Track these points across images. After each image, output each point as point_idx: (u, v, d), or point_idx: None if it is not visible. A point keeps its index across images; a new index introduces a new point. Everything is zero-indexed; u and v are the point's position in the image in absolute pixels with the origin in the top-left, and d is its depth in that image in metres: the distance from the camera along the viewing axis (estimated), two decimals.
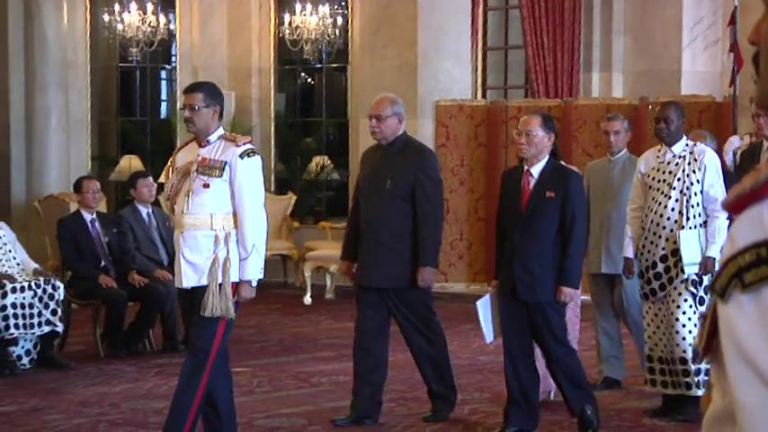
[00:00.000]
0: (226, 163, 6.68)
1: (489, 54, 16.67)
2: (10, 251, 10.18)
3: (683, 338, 7.82)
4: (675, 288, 7.88)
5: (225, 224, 6.70)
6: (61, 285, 10.16)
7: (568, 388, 7.52)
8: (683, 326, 7.84)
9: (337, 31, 16.32)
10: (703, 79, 14.91)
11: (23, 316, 9.78)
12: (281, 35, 16.65)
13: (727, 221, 7.88)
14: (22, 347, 10.01)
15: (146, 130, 17.16)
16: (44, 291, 9.92)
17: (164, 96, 18.12)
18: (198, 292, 6.70)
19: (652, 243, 7.99)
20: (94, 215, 10.87)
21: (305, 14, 16.34)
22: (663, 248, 7.92)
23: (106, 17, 16.34)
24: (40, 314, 9.86)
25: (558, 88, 15.28)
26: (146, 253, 10.95)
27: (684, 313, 7.85)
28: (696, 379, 7.83)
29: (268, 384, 9.44)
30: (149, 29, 16.31)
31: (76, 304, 10.96)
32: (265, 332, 12.09)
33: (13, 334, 9.75)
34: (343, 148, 16.61)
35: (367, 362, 7.96)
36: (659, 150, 8.10)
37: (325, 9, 16.34)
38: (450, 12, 14.74)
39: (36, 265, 10.40)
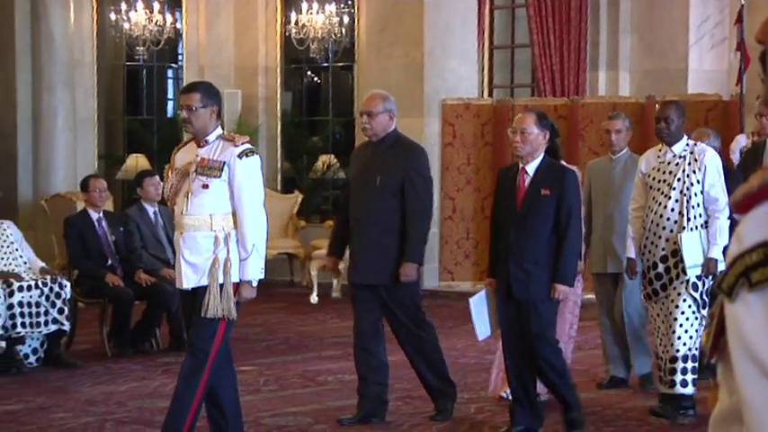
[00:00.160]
0: (225, 163, 6.66)
1: (496, 53, 16.66)
2: (17, 250, 10.19)
3: (679, 338, 7.80)
4: (675, 289, 7.84)
5: (224, 224, 6.67)
6: (68, 284, 10.17)
7: (556, 385, 7.46)
8: (681, 326, 7.80)
9: (344, 30, 16.31)
10: (710, 78, 14.90)
11: (30, 314, 9.79)
12: (287, 34, 16.64)
13: (728, 222, 7.86)
14: (29, 346, 10.02)
15: (152, 128, 17.17)
16: (51, 289, 9.93)
17: (170, 95, 18.13)
18: (199, 293, 6.68)
19: (652, 243, 7.95)
20: (101, 214, 10.87)
21: (311, 13, 16.34)
22: (663, 249, 7.88)
23: (113, 16, 16.35)
24: (46, 313, 9.87)
25: (565, 87, 15.27)
26: (152, 252, 10.96)
27: (683, 313, 7.81)
28: (682, 378, 7.82)
29: (274, 383, 9.44)
30: (156, 28, 16.31)
31: (83, 303, 10.97)
32: (272, 331, 12.10)
33: (20, 332, 9.76)
34: (349, 146, 16.57)
35: (369, 362, 7.96)
36: (660, 150, 8.05)
37: (331, 8, 16.33)
38: (456, 10, 14.74)
39: (43, 264, 10.41)
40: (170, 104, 18.01)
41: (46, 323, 9.88)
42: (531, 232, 7.30)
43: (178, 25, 16.82)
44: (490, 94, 16.31)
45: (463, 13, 14.86)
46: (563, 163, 7.70)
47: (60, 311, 9.94)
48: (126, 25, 16.28)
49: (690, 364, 7.84)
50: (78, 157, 15.39)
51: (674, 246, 7.84)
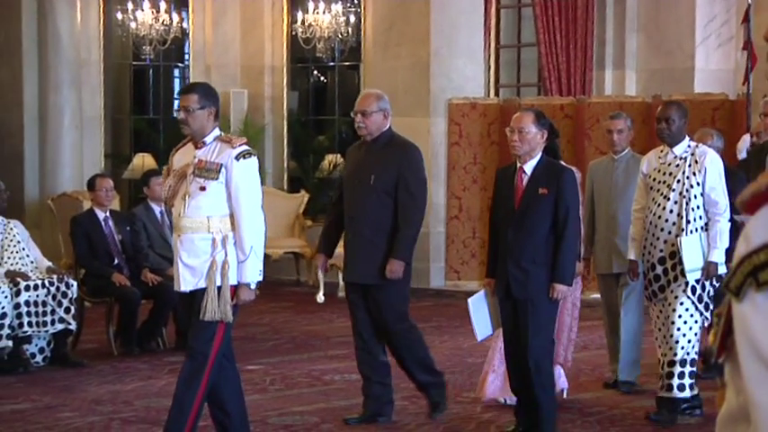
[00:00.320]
0: (222, 165, 6.62)
1: (502, 52, 16.66)
2: (23, 249, 10.20)
3: (677, 342, 7.74)
4: (673, 292, 7.78)
5: (222, 227, 6.63)
6: (74, 283, 10.18)
7: (535, 384, 7.32)
8: (678, 329, 7.74)
9: (350, 29, 16.31)
10: (717, 77, 14.90)
11: (37, 314, 9.80)
12: (293, 33, 16.64)
13: (729, 224, 7.82)
14: (36, 345, 10.03)
15: (159, 128, 17.18)
16: (57, 289, 9.94)
17: (177, 95, 18.13)
18: (197, 295, 6.64)
19: (652, 245, 7.89)
20: (108, 213, 10.88)
21: (318, 12, 16.34)
22: (661, 251, 7.83)
23: (119, 15, 16.36)
24: (53, 312, 9.89)
25: (571, 86, 15.27)
26: (159, 251, 10.96)
27: (680, 317, 7.75)
28: (680, 382, 7.78)
29: (281, 382, 9.44)
30: (162, 27, 16.32)
31: (90, 302, 10.98)
32: (278, 330, 12.10)
33: (26, 332, 9.77)
34: None
35: (369, 362, 7.95)
36: (662, 151, 7.98)
37: (337, 7, 16.33)
38: (462, 10, 14.73)
39: (49, 263, 10.41)
40: (176, 104, 17.98)
41: (52, 322, 9.89)
42: (529, 231, 7.27)
43: (184, 25, 16.83)
44: (496, 94, 16.31)
45: (469, 13, 14.86)
46: (561, 163, 7.67)
47: (67, 311, 9.96)
48: (132, 24, 16.30)
49: (688, 369, 7.79)
50: (85, 156, 15.40)
51: (673, 248, 7.77)
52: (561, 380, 8.48)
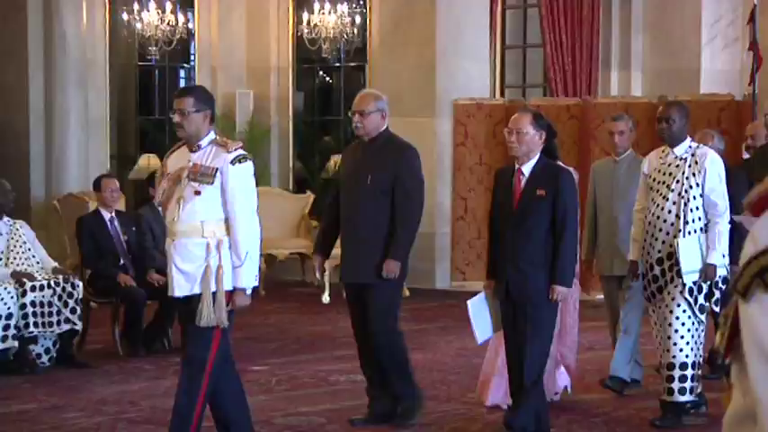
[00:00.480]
0: (217, 169, 6.55)
1: (508, 52, 16.66)
2: (29, 249, 10.20)
3: (675, 344, 7.69)
4: (670, 293, 7.73)
5: (216, 231, 6.55)
6: (80, 284, 10.18)
7: (527, 387, 7.29)
8: (676, 331, 7.69)
9: (356, 30, 16.32)
10: (723, 77, 14.89)
11: (43, 314, 9.81)
12: (299, 34, 16.66)
13: (729, 225, 7.79)
14: (42, 346, 10.04)
15: (164, 128, 17.18)
16: (63, 289, 9.95)
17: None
18: (192, 301, 6.58)
19: (650, 245, 7.84)
20: (113, 214, 10.89)
21: (323, 13, 16.35)
22: (659, 251, 7.77)
23: (125, 16, 16.37)
24: (59, 312, 9.89)
25: (577, 87, 15.27)
26: (164, 252, 10.95)
27: (678, 319, 7.70)
28: (681, 385, 7.74)
29: (287, 383, 9.44)
30: (168, 28, 16.33)
31: (95, 303, 10.98)
32: (284, 331, 12.10)
33: (32, 332, 9.78)
34: None
35: (370, 362, 7.93)
36: (663, 151, 7.93)
37: (343, 8, 16.34)
38: (468, 10, 14.73)
39: (55, 264, 10.42)
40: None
41: (58, 323, 9.90)
42: (527, 233, 7.25)
43: (190, 25, 16.85)
44: (502, 94, 16.32)
45: (475, 13, 14.86)
46: (559, 163, 7.66)
47: (73, 311, 9.96)
48: (138, 25, 16.31)
49: (689, 372, 7.73)
50: (90, 156, 15.41)
51: (671, 248, 7.71)
52: (562, 376, 8.49)
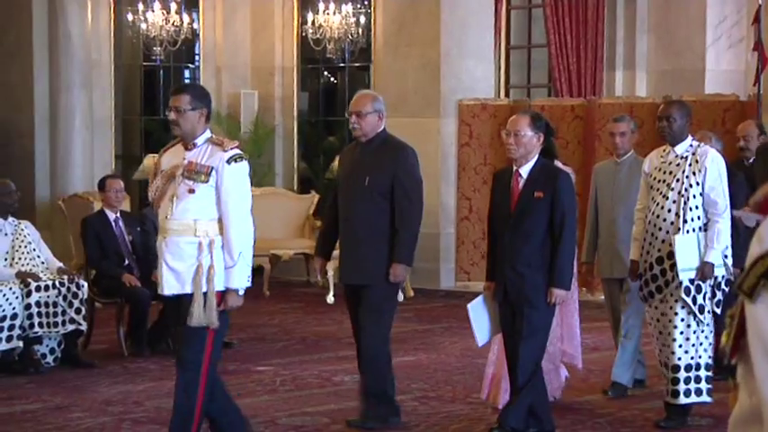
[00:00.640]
0: (212, 168, 6.52)
1: (512, 53, 16.66)
2: (34, 250, 10.21)
3: (680, 346, 7.67)
4: (672, 295, 7.70)
5: (209, 230, 6.52)
6: (85, 284, 10.19)
7: (522, 388, 7.29)
8: (681, 333, 7.67)
9: (360, 30, 16.32)
10: (727, 78, 14.88)
11: (47, 314, 9.81)
12: (303, 34, 16.66)
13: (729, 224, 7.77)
14: (47, 346, 10.05)
15: (169, 129, 17.17)
16: (68, 289, 9.96)
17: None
18: (183, 302, 6.56)
19: (650, 245, 7.81)
20: (118, 214, 10.90)
21: (328, 13, 16.35)
22: (659, 251, 7.74)
23: (130, 16, 16.39)
24: (63, 313, 9.90)
25: (582, 87, 15.26)
26: None
27: (683, 321, 7.67)
28: (686, 387, 7.71)
29: (291, 383, 9.44)
30: (173, 28, 16.35)
31: (100, 303, 10.99)
32: (288, 331, 12.10)
33: (37, 332, 9.79)
34: None
35: None
36: (664, 150, 7.90)
37: (347, 8, 16.34)
38: (473, 10, 14.73)
39: (60, 264, 10.43)
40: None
41: (63, 323, 9.90)
42: (525, 235, 7.23)
43: (195, 26, 16.86)
44: (507, 95, 16.31)
45: (479, 14, 14.85)
46: (557, 163, 7.64)
47: (77, 311, 9.97)
48: (143, 26, 16.32)
49: (693, 373, 7.70)
50: (95, 156, 15.42)
51: (670, 248, 7.67)
52: (560, 379, 8.49)
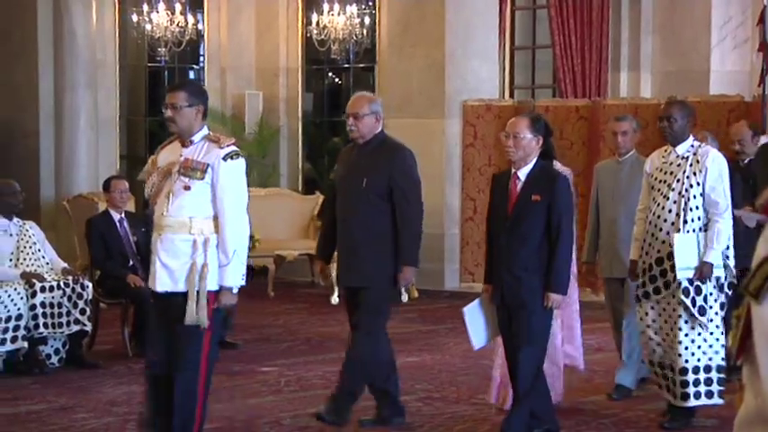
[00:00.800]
0: (208, 165, 6.51)
1: (517, 53, 16.66)
2: (39, 250, 10.21)
3: (687, 348, 7.62)
4: (674, 296, 7.67)
5: (204, 229, 6.51)
6: (90, 285, 10.19)
7: (522, 391, 7.27)
8: (686, 335, 7.62)
9: (365, 31, 16.33)
10: (732, 79, 14.87)
11: (52, 315, 9.82)
12: (308, 35, 16.68)
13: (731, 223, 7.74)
14: (51, 346, 10.05)
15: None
16: (73, 290, 9.96)
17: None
18: (172, 302, 6.54)
19: (650, 245, 7.78)
20: (123, 215, 10.90)
21: (332, 14, 16.36)
22: (659, 251, 7.72)
23: (135, 17, 16.40)
24: (68, 313, 9.90)
25: (586, 88, 15.25)
26: None
27: (687, 322, 7.63)
28: (696, 389, 7.67)
29: (295, 384, 9.44)
30: (177, 29, 16.36)
31: (105, 303, 10.99)
32: (293, 332, 12.10)
33: (42, 333, 9.79)
34: None
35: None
36: (665, 150, 7.88)
37: (352, 9, 16.35)
38: (477, 11, 14.73)
39: (65, 265, 10.43)
40: None
41: (68, 324, 9.91)
42: (522, 238, 7.21)
43: (200, 26, 16.87)
44: (511, 95, 16.31)
45: (484, 14, 14.86)
46: (556, 163, 7.61)
47: (82, 312, 9.97)
48: (148, 26, 16.34)
49: (703, 375, 7.66)
50: (100, 157, 15.44)
51: (670, 248, 7.64)
52: (559, 382, 8.48)
